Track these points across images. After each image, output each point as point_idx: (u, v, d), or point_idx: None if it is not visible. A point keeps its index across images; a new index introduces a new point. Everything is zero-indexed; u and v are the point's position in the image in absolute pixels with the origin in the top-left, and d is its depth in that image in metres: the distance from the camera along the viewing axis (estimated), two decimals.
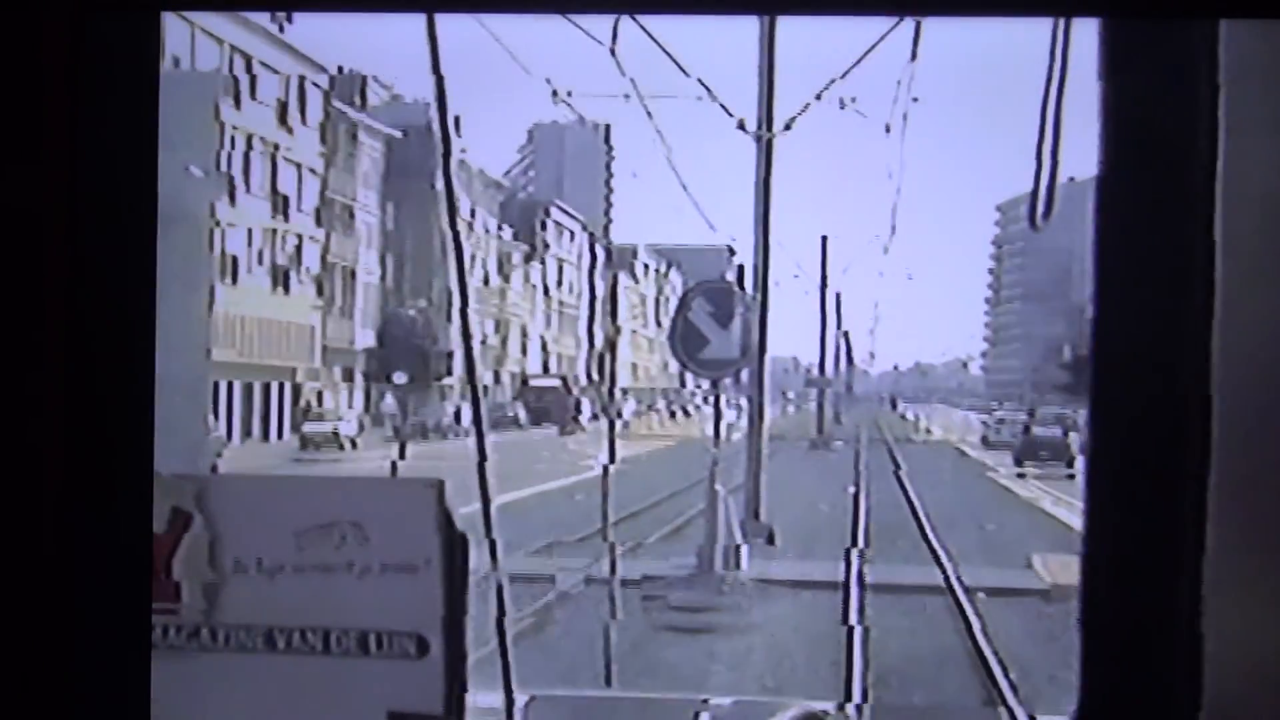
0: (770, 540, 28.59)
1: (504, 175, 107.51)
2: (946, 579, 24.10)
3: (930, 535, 32.43)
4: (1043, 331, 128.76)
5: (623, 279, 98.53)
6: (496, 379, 77.36)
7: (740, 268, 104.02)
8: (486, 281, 77.30)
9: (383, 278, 71.44)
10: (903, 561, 28.88)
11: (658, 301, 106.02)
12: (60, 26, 2.52)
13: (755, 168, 29.01)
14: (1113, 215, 2.60)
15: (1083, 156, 2.82)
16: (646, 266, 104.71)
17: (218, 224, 58.51)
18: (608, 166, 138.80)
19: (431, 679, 3.37)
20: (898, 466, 50.78)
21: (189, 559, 3.39)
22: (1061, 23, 3.11)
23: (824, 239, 64.29)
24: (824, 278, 62.88)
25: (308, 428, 55.82)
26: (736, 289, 24.89)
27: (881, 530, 34.18)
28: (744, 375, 30.43)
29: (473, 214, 74.79)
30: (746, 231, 29.42)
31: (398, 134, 70.22)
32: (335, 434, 53.65)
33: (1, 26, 2.50)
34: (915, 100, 49.28)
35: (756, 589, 24.17)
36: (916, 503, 39.85)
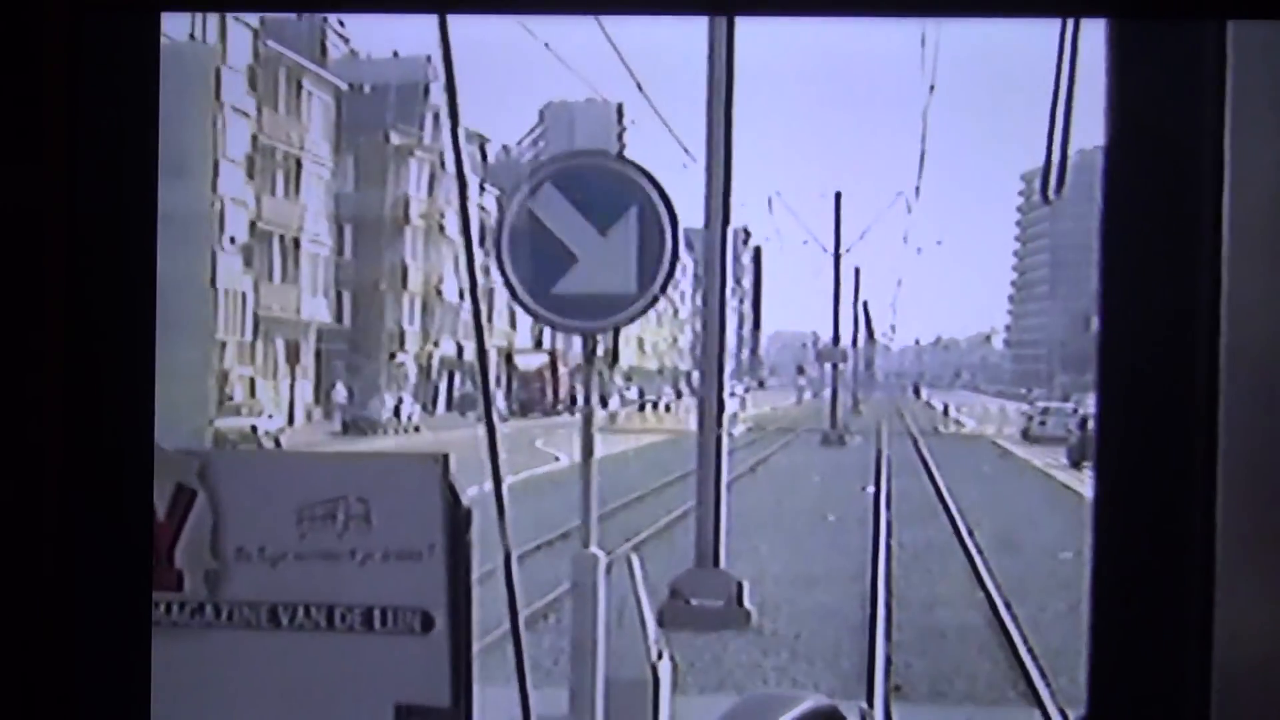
0: (739, 603, 17.36)
1: (512, 148, 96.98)
2: None
3: (987, 582, 21.12)
4: (1069, 305, 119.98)
5: None
6: (480, 354, 66.35)
7: (757, 250, 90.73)
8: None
9: (339, 250, 60.65)
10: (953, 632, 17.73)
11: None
12: (60, 26, 2.51)
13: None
14: (1119, 213, 2.56)
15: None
16: None
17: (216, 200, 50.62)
18: (620, 145, 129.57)
19: (438, 657, 3.34)
20: (929, 469, 39.59)
21: (191, 547, 3.39)
22: None
23: (838, 195, 53.75)
24: (838, 238, 52.74)
25: (220, 423, 45.17)
26: (634, 168, 11.75)
27: (915, 559, 23.06)
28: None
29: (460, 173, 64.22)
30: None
31: (344, 86, 59.48)
32: (253, 430, 43.15)
33: (1, 27, 2.49)
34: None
35: None
36: (958, 517, 28.57)
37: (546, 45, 34.42)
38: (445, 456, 3.35)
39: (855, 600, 19.64)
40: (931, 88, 70.61)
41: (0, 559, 2.49)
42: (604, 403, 77.41)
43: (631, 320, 11.72)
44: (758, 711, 3.75)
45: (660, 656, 12.99)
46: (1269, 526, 2.51)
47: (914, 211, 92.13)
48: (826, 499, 31.79)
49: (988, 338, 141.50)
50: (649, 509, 29.18)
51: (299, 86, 56.98)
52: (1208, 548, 2.47)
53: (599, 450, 41.41)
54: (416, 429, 54.25)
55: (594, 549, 12.17)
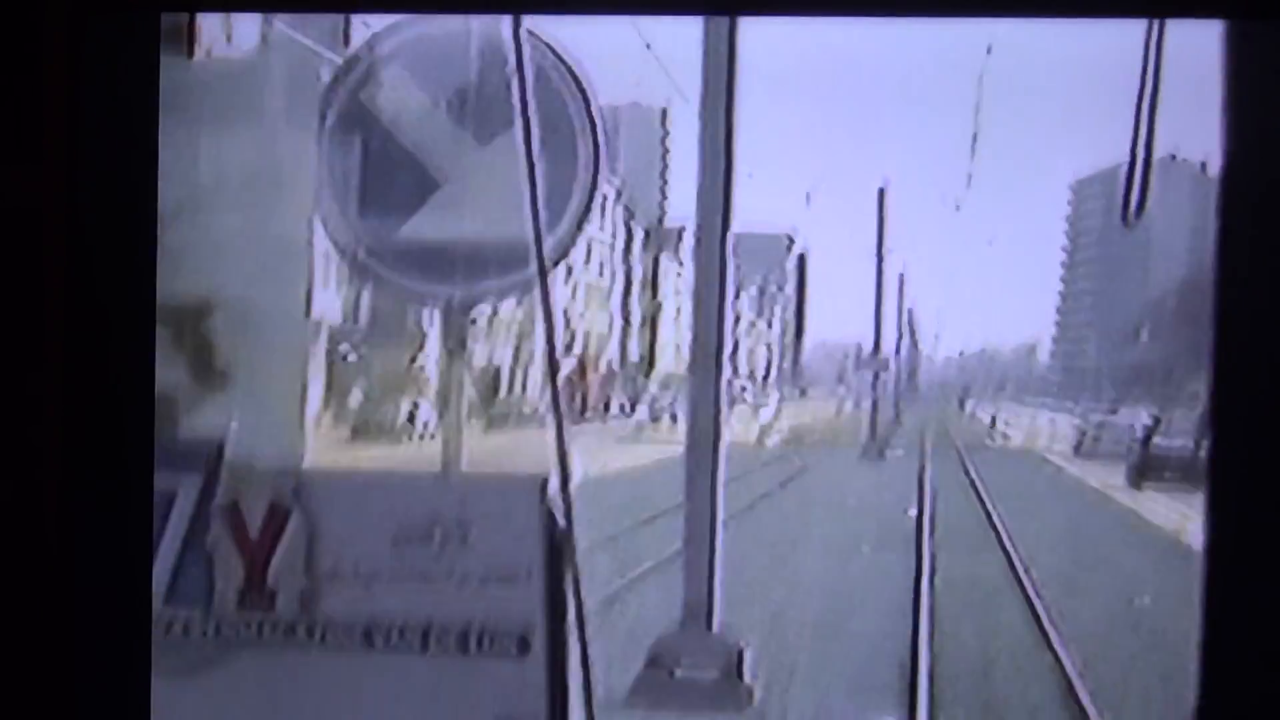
0: (738, 675, 13.25)
1: None
2: None
3: (1053, 637, 17.01)
4: (1117, 316, 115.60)
5: (665, 260, 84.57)
6: (550, 356, 62.21)
7: (801, 257, 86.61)
8: None
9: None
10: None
11: None
12: (60, 26, 2.59)
13: None
14: (1236, 216, 2.59)
15: (1161, 135, 2.91)
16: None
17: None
18: (664, 150, 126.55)
19: (535, 680, 3.28)
20: (976, 488, 35.29)
21: (285, 566, 3.35)
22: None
23: (881, 191, 49.41)
24: (880, 237, 48.48)
25: None
26: (534, 42, 6.20)
27: (964, 603, 18.96)
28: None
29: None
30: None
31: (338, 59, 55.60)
32: None
33: (1, 26, 2.57)
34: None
35: None
36: (1010, 547, 24.39)
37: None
38: (544, 479, 3.33)
39: (891, 663, 15.54)
40: (989, 49, 65.51)
41: (0, 559, 2.49)
42: (633, 410, 73.55)
43: (524, 288, 7.11)
44: None
45: None
46: None
47: (962, 209, 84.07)
48: (862, 523, 27.65)
49: (1033, 349, 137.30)
50: (658, 534, 25.11)
51: (315, 75, 53.35)
52: None
53: (619, 463, 36.70)
54: (433, 436, 50.47)
55: None
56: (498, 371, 66.11)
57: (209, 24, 3.14)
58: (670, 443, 50.67)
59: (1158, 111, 3.32)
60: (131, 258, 2.71)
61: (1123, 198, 3.56)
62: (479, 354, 65.29)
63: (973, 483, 37.22)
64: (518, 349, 66.13)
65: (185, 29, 2.86)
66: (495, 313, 66.51)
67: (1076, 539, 26.00)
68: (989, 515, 29.56)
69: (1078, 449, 53.99)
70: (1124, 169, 3.46)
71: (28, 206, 2.58)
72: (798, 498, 32.93)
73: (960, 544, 24.90)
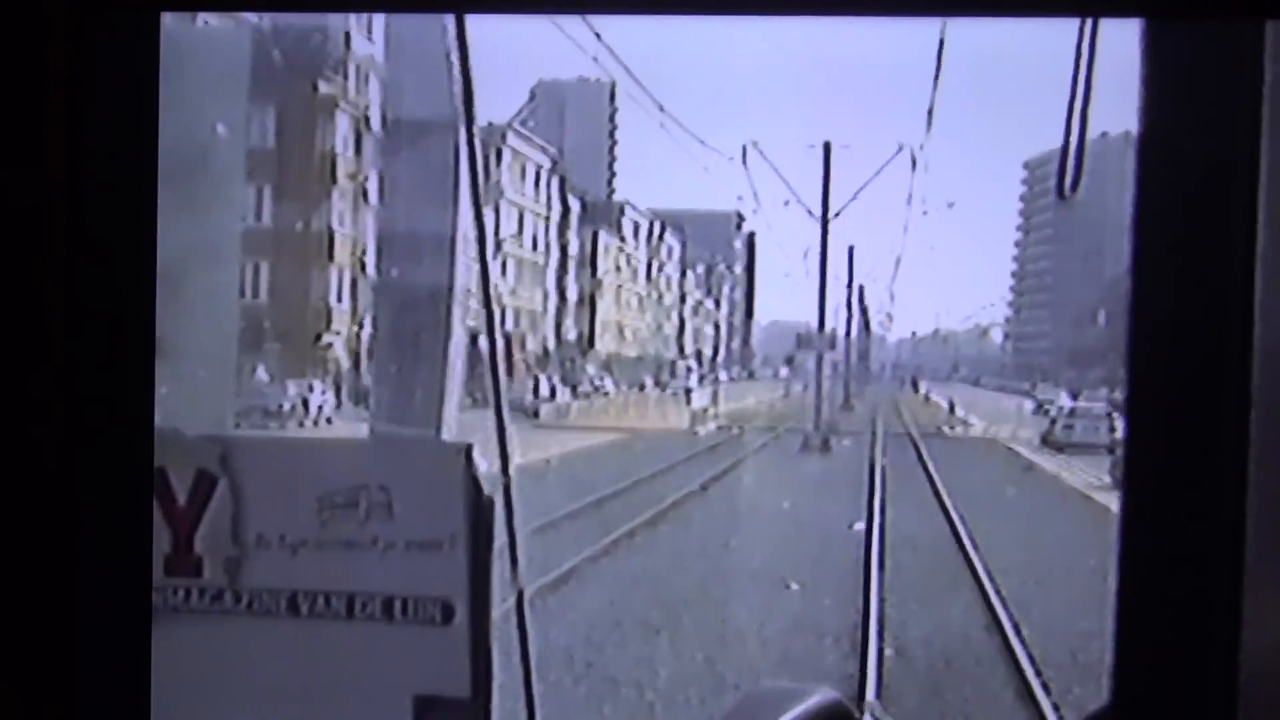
0: None
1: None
2: None
3: None
4: (1075, 296, 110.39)
5: (605, 236, 78.11)
6: (490, 339, 55.55)
7: (750, 235, 77.95)
8: None
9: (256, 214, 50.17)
10: None
11: (650, 266, 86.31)
12: (60, 26, 2.36)
13: None
14: (1152, 216, 2.41)
15: (1115, 111, 2.64)
16: (636, 225, 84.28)
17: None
18: (611, 125, 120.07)
19: (458, 647, 3.12)
20: (938, 491, 28.71)
21: (212, 533, 3.19)
22: None
23: (827, 146, 43.27)
24: (825, 200, 42.34)
25: None
26: None
27: (933, 686, 12.49)
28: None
29: (384, 121, 54.11)
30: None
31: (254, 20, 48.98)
32: None
33: (1, 26, 2.34)
34: None
35: None
36: (988, 583, 17.99)
37: None
38: (469, 445, 3.07)
39: None
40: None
41: (0, 559, 2.34)
42: (551, 394, 67.21)
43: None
44: (764, 706, 3.40)
45: None
46: None
47: (918, 167, 69.58)
48: (794, 543, 21.13)
49: (986, 330, 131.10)
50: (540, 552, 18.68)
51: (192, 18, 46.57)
52: (1238, 553, 2.24)
53: (521, 456, 27.62)
54: (329, 421, 44.36)
55: None
56: None
57: None
58: (584, 429, 43.98)
59: (1094, 72, 2.51)
60: (131, 258, 2.27)
61: (1058, 169, 2.67)
62: None
63: (932, 482, 30.68)
64: None
65: None
66: None
67: (1073, 570, 19.30)
68: (954, 530, 23.05)
69: (1045, 439, 47.18)
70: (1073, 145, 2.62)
71: (28, 206, 2.15)
72: (720, 505, 26.32)
73: (920, 577, 18.40)
